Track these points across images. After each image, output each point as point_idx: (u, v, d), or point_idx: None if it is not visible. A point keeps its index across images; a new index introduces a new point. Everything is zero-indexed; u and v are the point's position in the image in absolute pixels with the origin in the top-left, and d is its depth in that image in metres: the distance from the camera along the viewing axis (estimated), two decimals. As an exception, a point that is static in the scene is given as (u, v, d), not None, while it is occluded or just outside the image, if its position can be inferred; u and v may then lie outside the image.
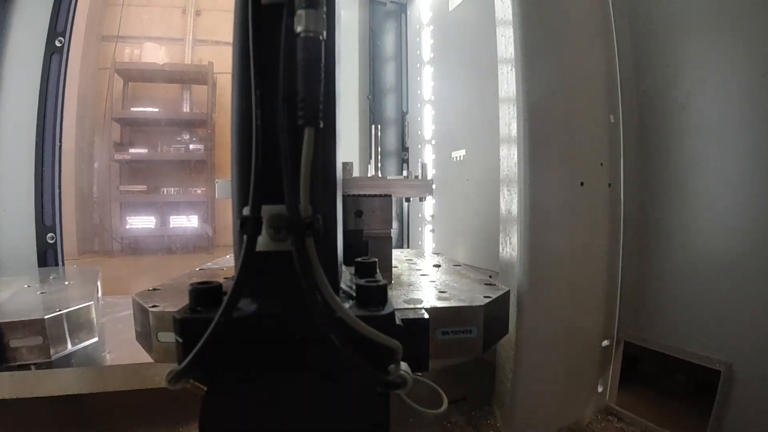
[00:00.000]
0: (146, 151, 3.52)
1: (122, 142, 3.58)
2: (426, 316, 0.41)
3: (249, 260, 0.33)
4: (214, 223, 3.57)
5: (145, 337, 0.55)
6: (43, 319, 0.67)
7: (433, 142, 1.41)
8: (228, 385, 0.36)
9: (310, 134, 0.33)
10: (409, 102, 1.59)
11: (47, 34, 1.21)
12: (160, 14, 3.69)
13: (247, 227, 0.33)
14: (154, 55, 3.52)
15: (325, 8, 0.34)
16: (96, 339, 0.77)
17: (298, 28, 0.33)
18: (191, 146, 3.56)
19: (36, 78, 1.20)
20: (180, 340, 0.35)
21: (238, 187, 0.38)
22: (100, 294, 1.02)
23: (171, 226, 3.49)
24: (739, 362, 0.62)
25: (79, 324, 0.73)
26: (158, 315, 0.52)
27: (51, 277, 1.02)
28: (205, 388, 0.35)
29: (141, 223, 3.46)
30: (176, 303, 0.55)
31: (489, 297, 0.61)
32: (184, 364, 0.33)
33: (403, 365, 0.35)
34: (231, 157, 0.38)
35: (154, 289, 0.63)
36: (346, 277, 0.46)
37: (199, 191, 3.57)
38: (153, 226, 3.47)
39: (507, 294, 0.67)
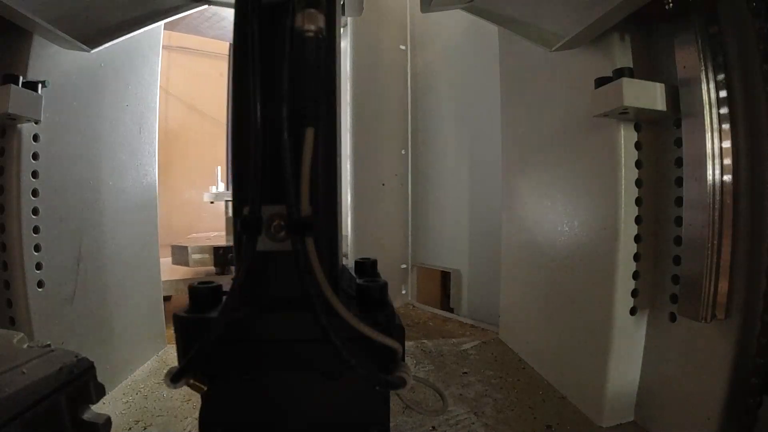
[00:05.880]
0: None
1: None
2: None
3: (249, 260, 0.34)
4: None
5: (182, 260, 1.12)
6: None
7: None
8: (228, 385, 0.36)
9: (310, 134, 0.33)
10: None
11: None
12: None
13: (247, 227, 0.33)
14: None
15: (325, 8, 0.34)
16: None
17: (299, 28, 0.33)
18: None
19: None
20: (180, 340, 0.35)
21: (237, 187, 0.38)
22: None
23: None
24: (462, 268, 1.29)
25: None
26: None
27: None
28: (205, 388, 0.35)
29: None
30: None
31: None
32: (184, 363, 0.33)
33: (403, 365, 0.35)
34: (231, 157, 0.38)
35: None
36: (347, 276, 0.46)
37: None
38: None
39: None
